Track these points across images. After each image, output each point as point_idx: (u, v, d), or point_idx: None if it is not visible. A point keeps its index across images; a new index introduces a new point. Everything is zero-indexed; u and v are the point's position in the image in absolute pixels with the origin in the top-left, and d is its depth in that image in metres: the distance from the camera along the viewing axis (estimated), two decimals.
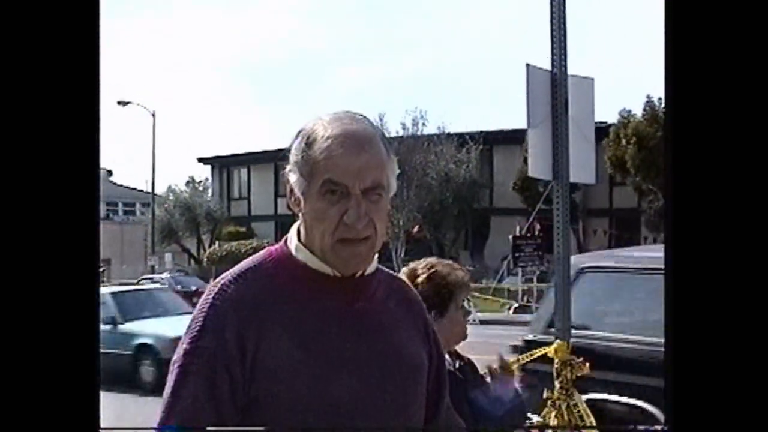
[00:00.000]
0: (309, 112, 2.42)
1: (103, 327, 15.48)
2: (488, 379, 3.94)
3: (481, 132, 49.77)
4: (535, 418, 6.21)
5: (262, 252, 2.42)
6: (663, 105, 46.15)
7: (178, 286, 38.75)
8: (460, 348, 4.01)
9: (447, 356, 3.86)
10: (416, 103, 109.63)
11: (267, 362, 2.18)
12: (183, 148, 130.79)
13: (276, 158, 55.15)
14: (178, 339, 2.33)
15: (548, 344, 6.66)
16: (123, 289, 23.07)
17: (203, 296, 2.31)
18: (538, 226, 36.18)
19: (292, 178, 2.30)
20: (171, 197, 61.71)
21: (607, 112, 46.15)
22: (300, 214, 2.33)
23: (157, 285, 31.70)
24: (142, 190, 74.07)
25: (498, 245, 46.81)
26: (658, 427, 1.87)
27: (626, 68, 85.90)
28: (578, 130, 6.29)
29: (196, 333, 2.22)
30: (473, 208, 51.22)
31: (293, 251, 2.36)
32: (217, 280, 2.35)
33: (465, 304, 3.91)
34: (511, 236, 38.76)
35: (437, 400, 2.53)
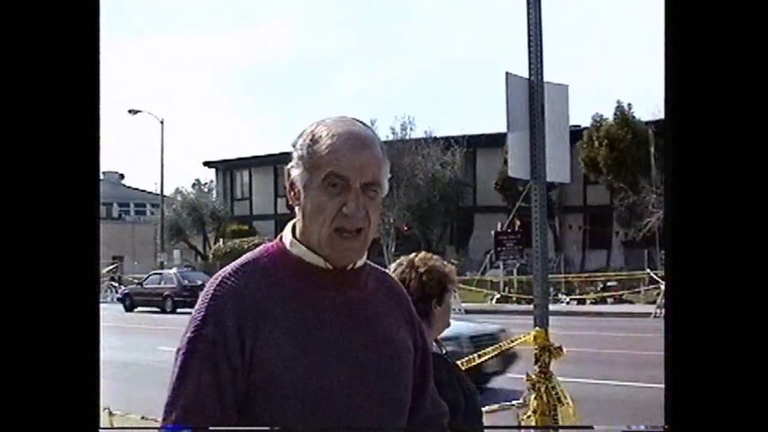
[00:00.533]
0: (306, 118, 2.44)
1: None
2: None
3: (465, 136, 50.12)
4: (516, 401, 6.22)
5: (258, 248, 2.41)
6: (632, 110, 46.46)
7: (185, 281, 38.95)
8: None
9: (434, 343, 3.87)
10: (405, 109, 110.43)
11: (265, 350, 2.17)
12: (189, 152, 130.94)
13: (275, 161, 56.11)
14: None
15: None
16: None
17: (205, 289, 2.30)
18: (518, 223, 36.32)
19: (295, 172, 2.31)
20: (179, 198, 62.40)
21: (581, 117, 46.27)
22: (297, 209, 2.33)
23: None
24: (151, 192, 74.25)
25: (481, 240, 46.98)
26: (658, 427, 1.83)
27: (599, 75, 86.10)
28: (554, 134, 6.30)
29: (198, 323, 2.21)
30: (458, 206, 51.57)
31: (288, 246, 2.35)
32: (217, 274, 2.34)
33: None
34: (493, 232, 39.06)
35: (422, 384, 2.52)
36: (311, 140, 2.29)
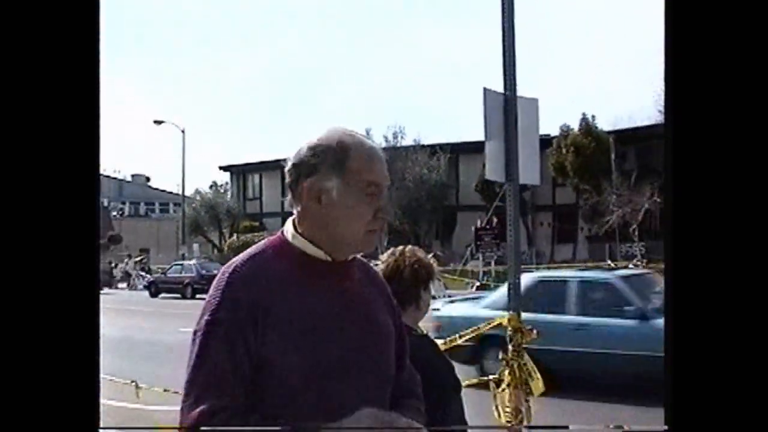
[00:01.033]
0: (310, 125, 2.41)
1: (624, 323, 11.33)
2: None
3: (449, 143, 50.41)
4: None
5: (262, 242, 2.39)
6: (595, 121, 46.56)
7: (203, 270, 39.03)
8: None
9: (419, 325, 3.88)
10: (396, 119, 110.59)
11: (275, 332, 2.16)
12: (207, 158, 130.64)
13: (282, 166, 55.48)
14: None
15: None
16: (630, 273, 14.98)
17: (218, 276, 2.28)
18: (495, 220, 36.26)
19: (326, 182, 2.28)
20: (198, 198, 62.73)
21: (550, 127, 46.42)
22: (314, 210, 2.30)
23: None
24: (174, 193, 74.14)
25: (463, 235, 47.03)
26: (659, 428, 1.73)
27: (566, 90, 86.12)
28: (526, 141, 6.30)
29: (215, 306, 2.19)
30: (443, 205, 51.87)
31: (290, 240, 2.34)
32: (230, 262, 2.32)
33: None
34: (473, 228, 39.10)
35: (401, 360, 2.53)
36: (342, 154, 2.29)
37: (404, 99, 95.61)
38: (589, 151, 45.88)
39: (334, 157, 2.28)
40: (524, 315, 6.53)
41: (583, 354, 11.29)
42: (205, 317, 2.21)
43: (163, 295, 40.69)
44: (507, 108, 6.22)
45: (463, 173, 51.80)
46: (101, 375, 1.94)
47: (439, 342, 4.80)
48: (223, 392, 2.12)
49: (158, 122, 54.65)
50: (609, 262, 36.81)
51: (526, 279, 10.84)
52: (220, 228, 61.00)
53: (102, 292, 18.13)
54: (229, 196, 65.11)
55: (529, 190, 45.74)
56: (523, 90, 6.36)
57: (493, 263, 38.50)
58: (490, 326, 6.93)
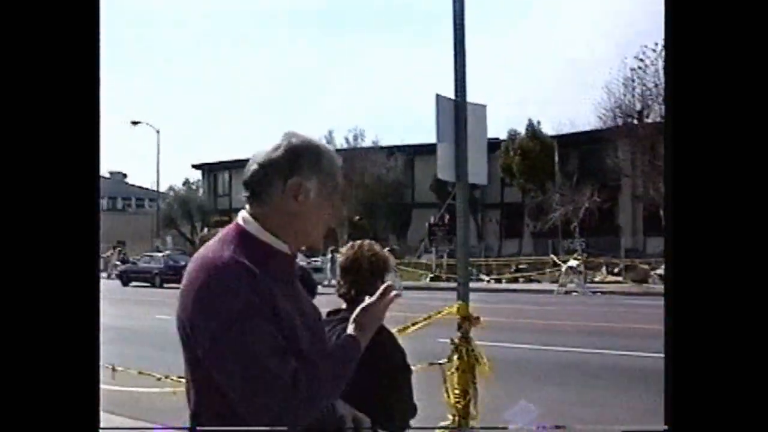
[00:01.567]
0: (277, 127, 2.40)
1: None
2: None
3: (406, 145, 50.54)
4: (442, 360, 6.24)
5: (226, 236, 2.31)
6: (540, 126, 46.89)
7: (171, 261, 39.41)
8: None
9: None
10: (356, 122, 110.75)
11: (281, 314, 2.14)
12: (181, 157, 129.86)
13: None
14: None
15: None
16: None
17: (211, 275, 2.13)
18: (447, 216, 36.61)
19: (308, 181, 2.27)
20: (171, 194, 63.46)
21: (499, 131, 46.83)
22: (292, 207, 2.26)
23: None
24: (149, 189, 73.73)
25: (418, 230, 47.34)
26: (659, 428, 1.66)
27: (514, 97, 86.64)
28: (474, 144, 6.32)
29: (232, 302, 2.07)
30: (399, 203, 52.02)
31: (254, 233, 2.28)
32: (218, 263, 2.16)
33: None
34: (427, 224, 39.49)
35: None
36: (317, 155, 2.31)
37: (364, 104, 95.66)
38: (534, 154, 46.28)
39: (312, 160, 2.29)
40: None
41: None
42: (228, 311, 2.06)
43: (133, 283, 40.70)
44: (457, 113, 6.23)
45: (419, 173, 51.91)
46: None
47: (393, 329, 4.80)
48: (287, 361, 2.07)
49: (135, 123, 55.77)
50: (552, 256, 37.06)
51: None
52: (192, 222, 61.33)
53: None
54: (200, 192, 65.44)
55: (480, 189, 45.99)
56: (474, 97, 6.38)
57: (445, 256, 38.80)
58: (441, 315, 6.94)
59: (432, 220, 39.70)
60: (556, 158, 45.41)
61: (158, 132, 57.29)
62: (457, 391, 6.13)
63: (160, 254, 43.74)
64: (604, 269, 36.66)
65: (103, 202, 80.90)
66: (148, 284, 39.50)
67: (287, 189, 2.26)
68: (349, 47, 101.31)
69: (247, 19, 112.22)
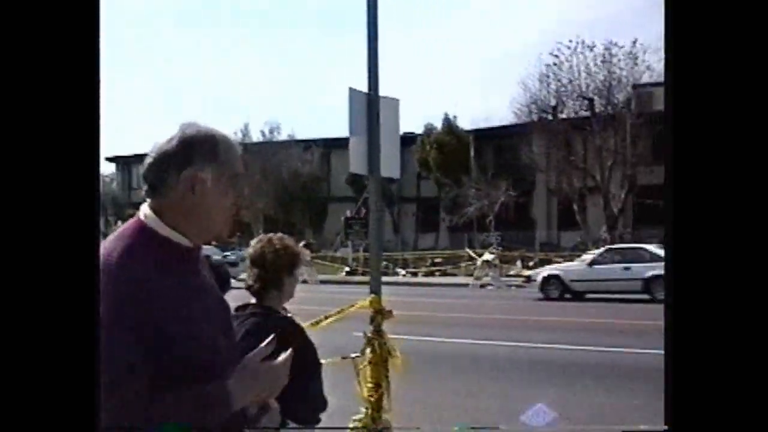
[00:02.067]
0: (193, 120, 2.35)
1: None
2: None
3: (322, 138, 50.44)
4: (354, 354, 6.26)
5: (125, 230, 2.25)
6: (457, 120, 47.39)
7: None
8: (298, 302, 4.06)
9: (284, 308, 3.88)
10: (272, 115, 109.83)
11: (164, 312, 2.07)
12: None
13: None
14: None
15: None
16: None
17: (106, 265, 2.06)
18: (363, 210, 36.64)
19: (205, 174, 2.21)
20: None
21: (415, 125, 47.22)
22: (189, 200, 2.21)
23: None
24: None
25: (334, 224, 47.28)
26: (659, 428, 1.63)
27: (430, 92, 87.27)
28: (387, 138, 6.34)
29: (103, 306, 1.94)
30: (316, 196, 51.97)
31: (154, 227, 2.22)
32: (111, 250, 2.13)
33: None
34: (343, 218, 39.47)
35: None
36: (217, 148, 2.24)
37: (280, 97, 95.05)
38: (450, 149, 46.85)
39: (207, 149, 2.23)
40: None
41: None
42: (109, 310, 1.99)
43: None
44: (370, 107, 6.24)
45: (335, 167, 51.96)
46: None
47: (306, 323, 4.79)
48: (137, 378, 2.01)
49: None
50: (467, 250, 37.51)
51: None
52: (106, 215, 60.32)
53: None
54: (114, 185, 64.90)
55: (396, 183, 46.21)
56: (390, 91, 6.40)
57: (361, 250, 38.87)
58: (354, 308, 6.95)
59: (348, 213, 39.74)
60: (472, 153, 46.04)
61: None
62: (369, 385, 6.15)
63: None
64: (519, 263, 37.24)
65: None
66: None
67: (182, 181, 2.20)
68: (264, 38, 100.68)
69: (164, 8, 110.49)
